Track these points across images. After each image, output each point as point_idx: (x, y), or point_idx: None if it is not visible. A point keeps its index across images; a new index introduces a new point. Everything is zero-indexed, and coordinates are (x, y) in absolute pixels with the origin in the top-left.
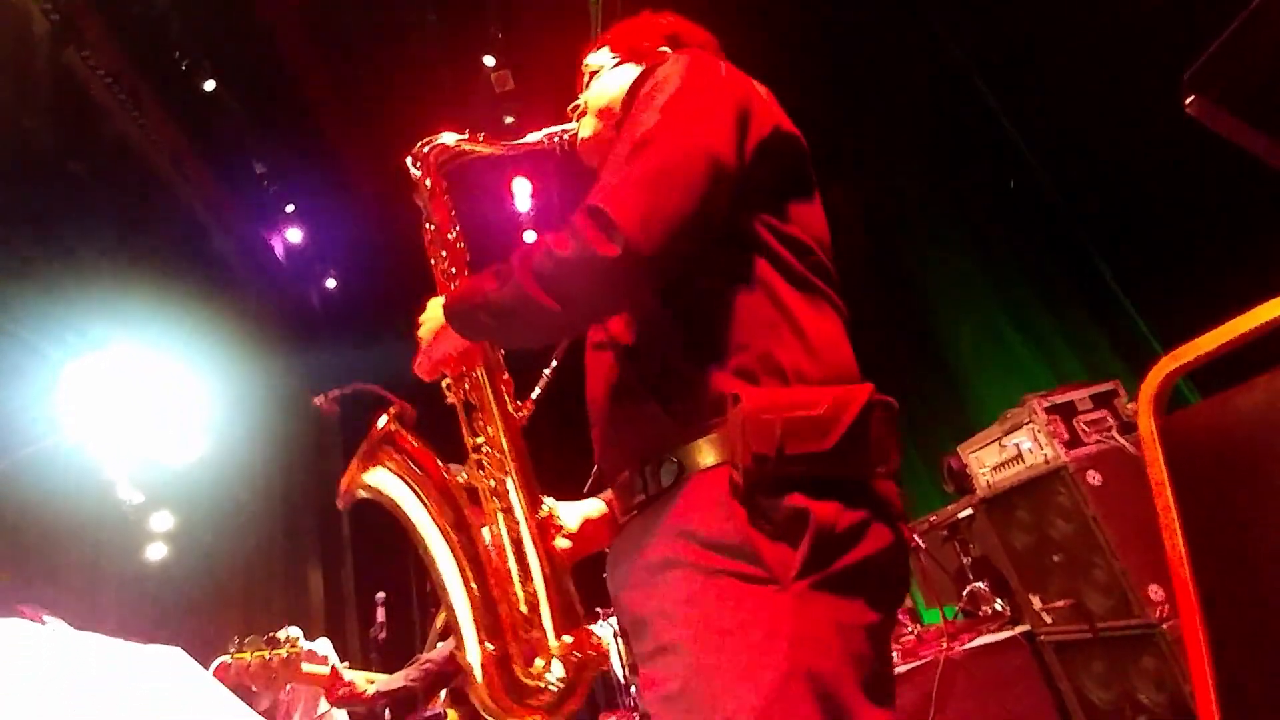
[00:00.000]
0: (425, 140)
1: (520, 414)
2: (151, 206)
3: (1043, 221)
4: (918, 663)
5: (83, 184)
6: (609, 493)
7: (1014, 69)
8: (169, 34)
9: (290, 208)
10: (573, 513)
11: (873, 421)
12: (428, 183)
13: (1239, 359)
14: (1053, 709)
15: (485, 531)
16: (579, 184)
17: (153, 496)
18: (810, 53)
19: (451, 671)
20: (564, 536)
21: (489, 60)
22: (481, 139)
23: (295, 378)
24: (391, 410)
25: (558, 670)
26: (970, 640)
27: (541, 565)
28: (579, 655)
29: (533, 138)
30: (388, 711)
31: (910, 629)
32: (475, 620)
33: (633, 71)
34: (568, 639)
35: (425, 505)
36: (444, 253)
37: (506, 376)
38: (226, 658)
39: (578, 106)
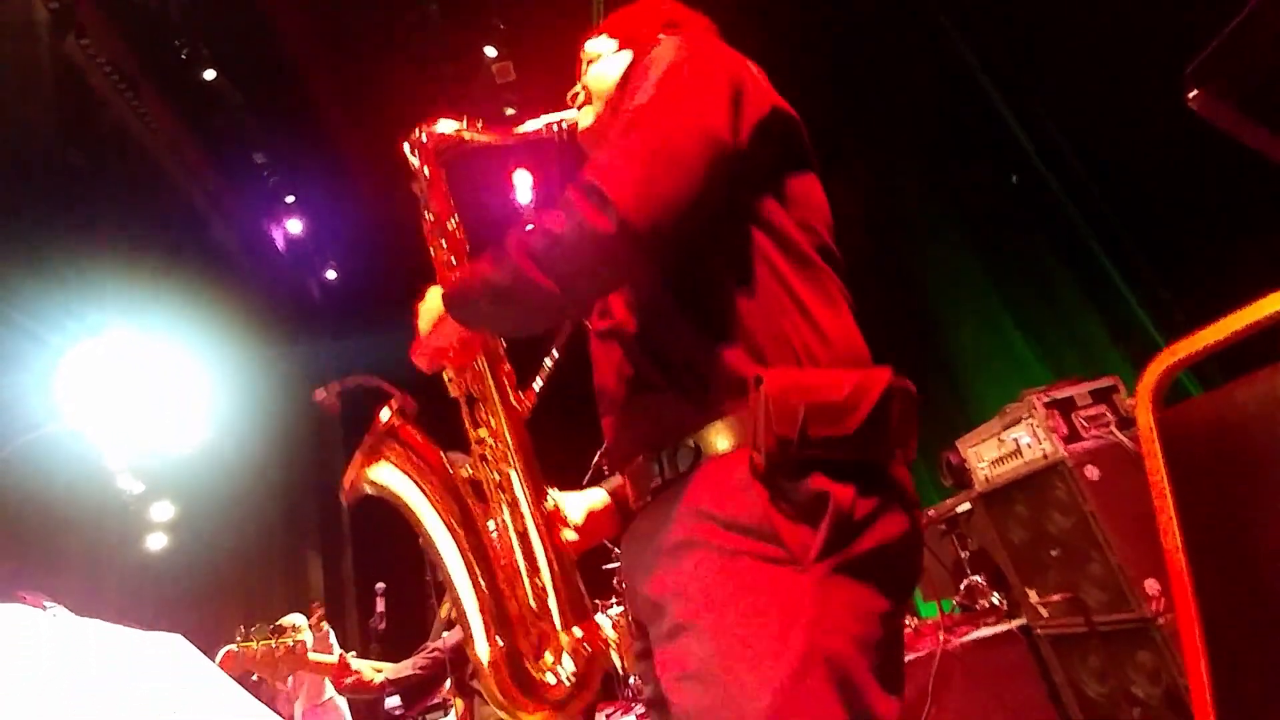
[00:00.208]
0: (422, 127)
1: (523, 406)
2: (151, 195)
3: (1044, 217)
4: (914, 656)
5: (82, 172)
6: (610, 483)
7: (1016, 65)
8: (169, 23)
9: (290, 199)
10: (576, 504)
11: (893, 407)
12: (426, 171)
13: (1245, 353)
14: (1048, 702)
15: (491, 525)
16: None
17: (153, 487)
18: (810, 48)
19: (458, 660)
20: (570, 529)
21: (490, 51)
22: (480, 127)
23: (296, 369)
24: (393, 404)
25: (568, 664)
26: (967, 634)
27: (548, 558)
28: (589, 648)
29: (532, 125)
30: (397, 699)
31: (907, 622)
32: (484, 615)
33: (631, 57)
34: (577, 632)
35: (430, 499)
36: (443, 242)
37: (508, 368)
38: (233, 646)
39: (577, 94)
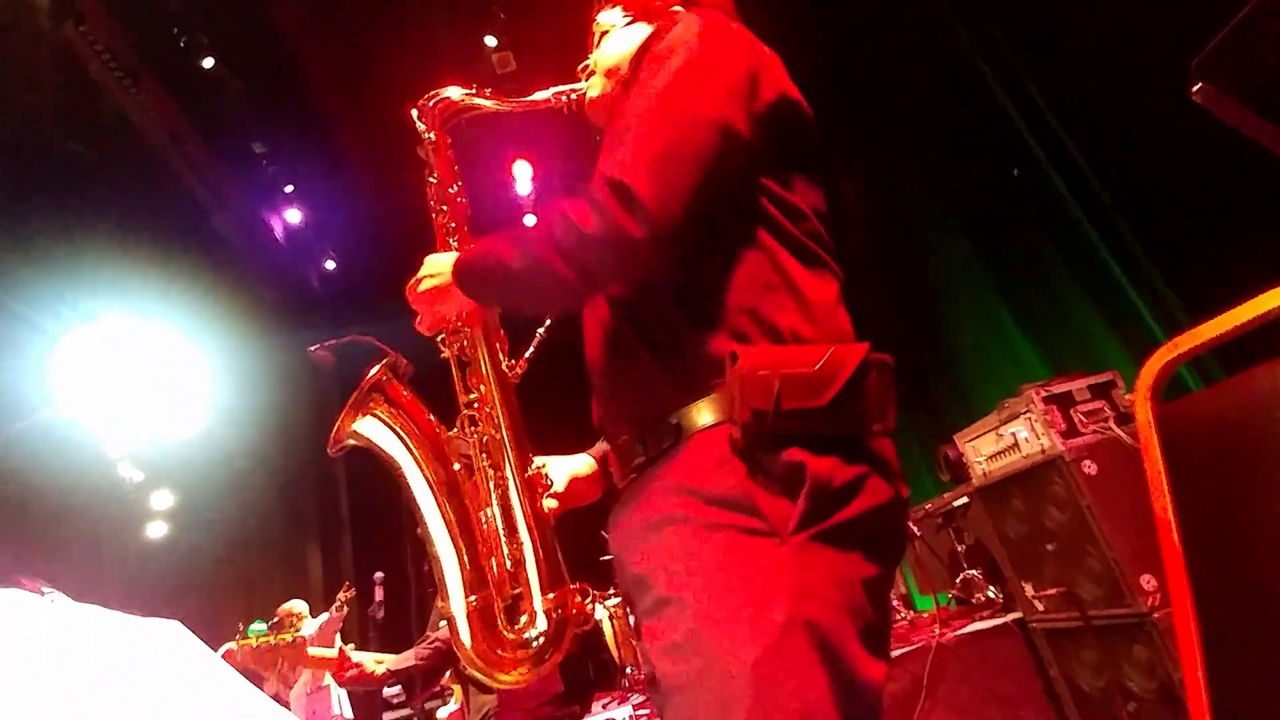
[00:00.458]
0: (431, 94)
1: (514, 371)
2: (150, 184)
3: (1043, 213)
4: (910, 648)
5: (81, 160)
6: (598, 448)
7: (1019, 58)
8: (168, 11)
9: (289, 188)
10: (560, 470)
11: (869, 379)
12: (431, 136)
13: (1245, 348)
14: (1043, 696)
15: (474, 486)
16: (582, 151)
17: (153, 475)
18: (813, 43)
19: None
20: (550, 496)
21: (490, 40)
22: (489, 94)
23: (294, 359)
24: (385, 361)
25: (540, 624)
26: (962, 627)
27: (528, 523)
28: (561, 611)
29: (540, 95)
30: (398, 687)
31: (903, 615)
32: (460, 572)
33: (643, 31)
34: (551, 595)
35: (414, 456)
36: (445, 207)
37: (501, 334)
38: (233, 644)
39: (587, 66)
